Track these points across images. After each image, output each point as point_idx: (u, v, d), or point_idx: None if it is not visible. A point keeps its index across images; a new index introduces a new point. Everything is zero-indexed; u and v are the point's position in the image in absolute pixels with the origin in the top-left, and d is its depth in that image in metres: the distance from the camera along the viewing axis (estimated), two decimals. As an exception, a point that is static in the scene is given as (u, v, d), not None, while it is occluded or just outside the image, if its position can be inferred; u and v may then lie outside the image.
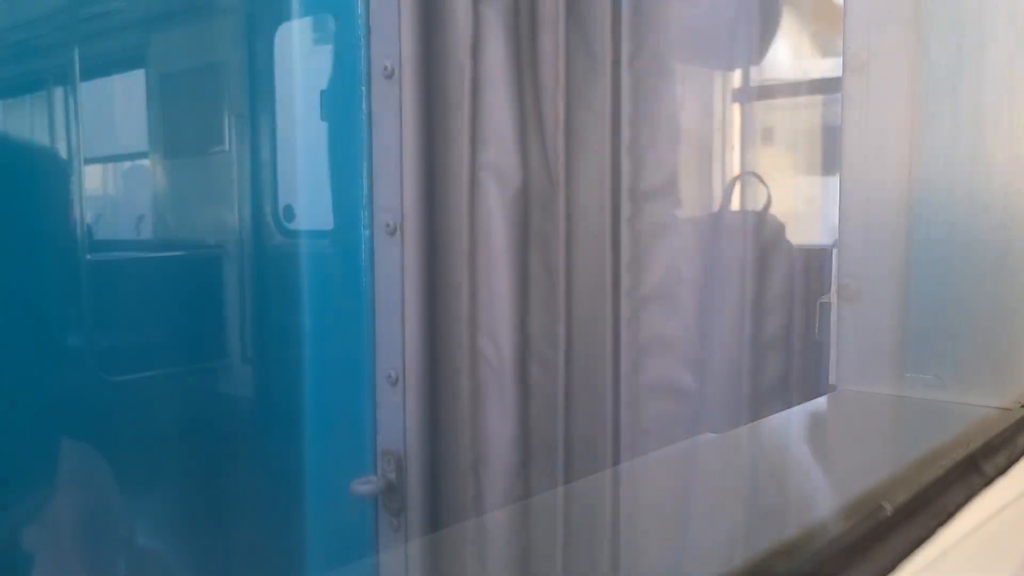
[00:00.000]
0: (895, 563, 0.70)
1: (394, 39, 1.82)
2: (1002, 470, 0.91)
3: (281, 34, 3.17)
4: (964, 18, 1.11)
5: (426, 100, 1.85)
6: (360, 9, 1.88)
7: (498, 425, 1.87)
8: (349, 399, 2.10)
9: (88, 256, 3.11)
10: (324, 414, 2.32)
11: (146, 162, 3.60)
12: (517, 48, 1.86)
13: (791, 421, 1.25)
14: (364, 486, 1.90)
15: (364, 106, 1.89)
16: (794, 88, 1.95)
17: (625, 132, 1.86)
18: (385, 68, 1.84)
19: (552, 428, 1.92)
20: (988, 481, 0.88)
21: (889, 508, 0.74)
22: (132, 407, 3.20)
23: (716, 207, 1.90)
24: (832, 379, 1.23)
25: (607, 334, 1.89)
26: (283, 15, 3.16)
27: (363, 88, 1.89)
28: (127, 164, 3.81)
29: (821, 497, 0.88)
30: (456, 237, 1.86)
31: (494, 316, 1.86)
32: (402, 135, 1.84)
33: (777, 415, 1.29)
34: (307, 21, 2.98)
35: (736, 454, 1.06)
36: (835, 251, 1.23)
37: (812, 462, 1.04)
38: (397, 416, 1.89)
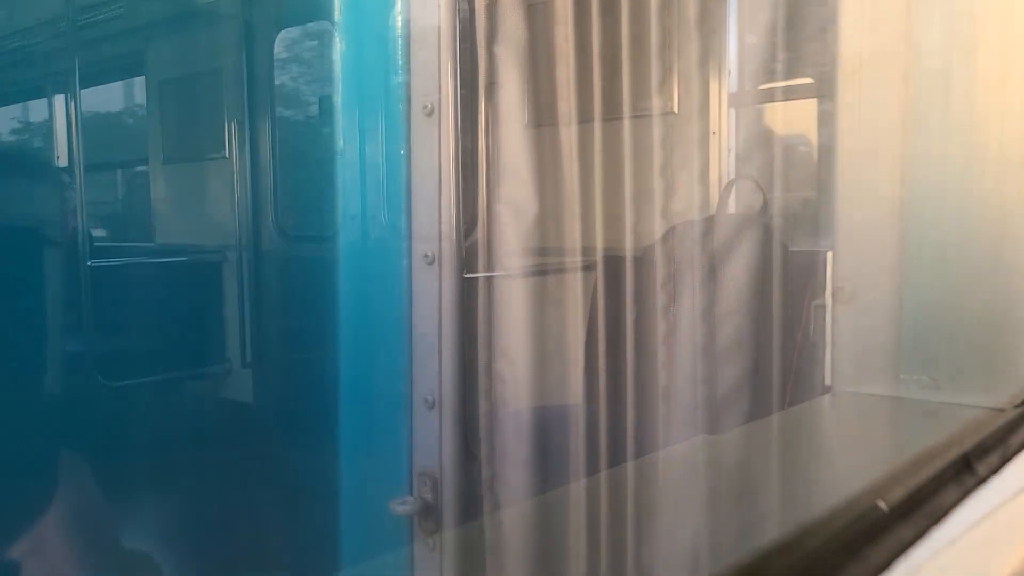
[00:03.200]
0: (890, 561, 0.71)
1: (434, 79, 1.86)
2: (995, 470, 0.91)
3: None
4: (955, 24, 1.13)
5: (461, 137, 1.90)
6: (400, 51, 1.90)
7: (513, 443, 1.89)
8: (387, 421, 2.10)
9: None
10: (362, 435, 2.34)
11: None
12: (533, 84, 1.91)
13: (788, 422, 1.27)
14: (402, 506, 1.90)
15: (404, 143, 1.91)
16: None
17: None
18: (425, 107, 1.88)
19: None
20: (981, 481, 0.89)
21: (884, 507, 0.75)
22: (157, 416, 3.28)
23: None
24: (828, 380, 1.24)
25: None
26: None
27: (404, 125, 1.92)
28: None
29: (817, 496, 0.89)
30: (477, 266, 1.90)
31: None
32: (440, 170, 1.88)
33: (774, 416, 1.30)
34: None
35: (734, 454, 1.07)
36: (830, 254, 1.24)
37: (809, 462, 1.05)
38: (433, 438, 1.90)
